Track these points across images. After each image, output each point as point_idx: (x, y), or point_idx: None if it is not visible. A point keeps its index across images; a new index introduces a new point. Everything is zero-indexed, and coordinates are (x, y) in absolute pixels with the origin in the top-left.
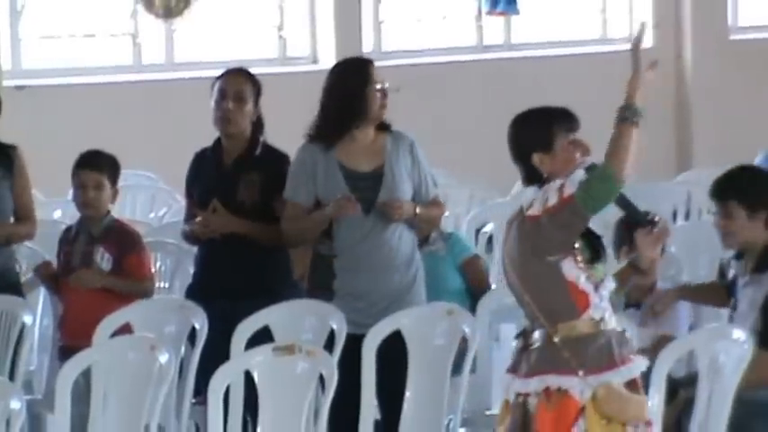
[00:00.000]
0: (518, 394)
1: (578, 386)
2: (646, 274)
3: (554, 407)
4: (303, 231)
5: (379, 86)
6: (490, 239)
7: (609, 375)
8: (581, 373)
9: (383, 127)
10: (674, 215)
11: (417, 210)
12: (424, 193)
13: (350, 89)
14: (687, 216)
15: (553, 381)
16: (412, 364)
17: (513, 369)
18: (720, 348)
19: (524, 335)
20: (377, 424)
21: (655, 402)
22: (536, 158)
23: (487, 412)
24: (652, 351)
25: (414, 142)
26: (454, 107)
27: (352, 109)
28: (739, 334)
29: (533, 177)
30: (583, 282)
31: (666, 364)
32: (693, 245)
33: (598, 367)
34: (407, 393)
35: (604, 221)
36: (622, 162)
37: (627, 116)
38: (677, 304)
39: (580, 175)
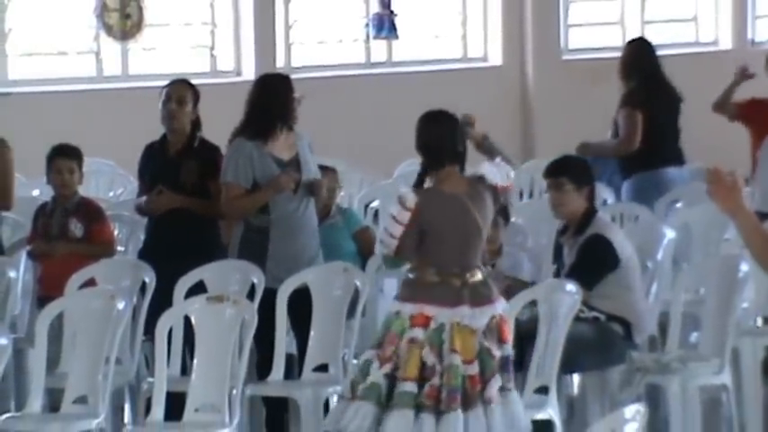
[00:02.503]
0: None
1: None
2: (489, 242)
3: None
4: (246, 206)
5: (296, 95)
6: (376, 213)
7: None
8: None
9: (290, 127)
10: (521, 195)
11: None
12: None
13: (279, 97)
14: (531, 195)
15: None
16: (315, 310)
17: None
18: (556, 298)
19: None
20: (290, 356)
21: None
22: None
23: None
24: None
25: (310, 140)
26: (349, 111)
27: (280, 111)
28: (571, 287)
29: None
30: None
31: (515, 309)
32: (536, 217)
33: None
34: (312, 333)
35: None
36: None
37: None
38: (522, 264)
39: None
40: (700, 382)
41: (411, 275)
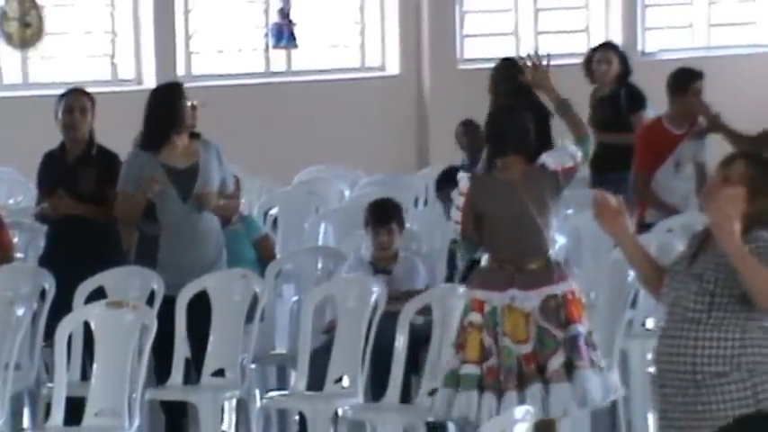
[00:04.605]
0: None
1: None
2: (384, 248)
3: None
4: (129, 211)
5: (189, 103)
6: (275, 220)
7: None
8: None
9: (196, 135)
10: (416, 202)
11: (221, 202)
12: (226, 188)
13: (167, 105)
14: (426, 202)
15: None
16: (215, 315)
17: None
18: (450, 302)
19: None
20: (188, 361)
21: (401, 343)
22: None
23: (272, 351)
24: (399, 304)
25: (219, 147)
26: (249, 120)
27: (170, 120)
28: (463, 291)
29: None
30: None
31: (410, 313)
32: (430, 223)
33: None
34: (211, 337)
35: None
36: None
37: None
38: (417, 269)
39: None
40: None
41: (477, 263)
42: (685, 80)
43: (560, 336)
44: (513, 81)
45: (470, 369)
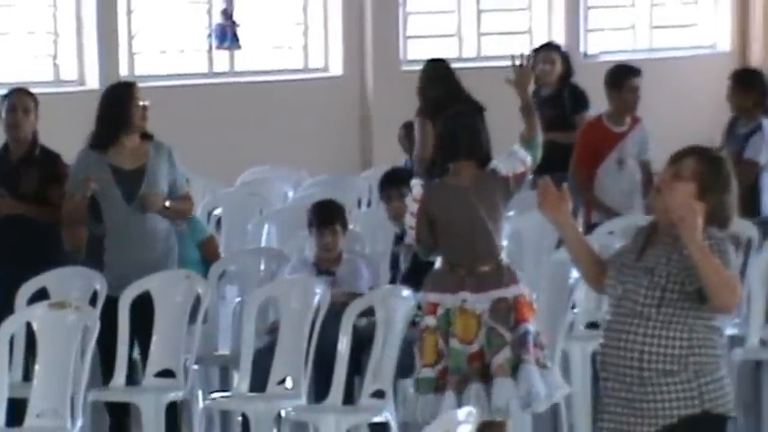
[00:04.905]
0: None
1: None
2: (328, 250)
3: None
4: (74, 211)
5: (140, 103)
6: (219, 221)
7: None
8: None
9: (148, 137)
10: (359, 203)
11: (167, 203)
12: (178, 190)
13: (117, 105)
14: (369, 204)
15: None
16: (157, 316)
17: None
18: (393, 304)
19: None
20: (135, 362)
21: (343, 344)
22: None
23: (215, 353)
24: (341, 305)
25: (171, 149)
26: (192, 120)
27: (119, 120)
28: (407, 293)
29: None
30: None
31: (353, 314)
32: (373, 225)
33: None
34: (154, 338)
35: None
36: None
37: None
38: (360, 271)
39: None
40: None
41: (432, 266)
42: (621, 76)
43: (508, 336)
44: (442, 83)
45: (427, 373)
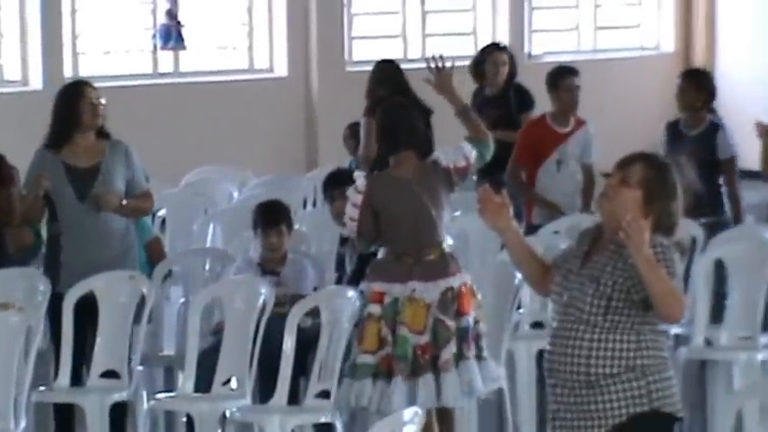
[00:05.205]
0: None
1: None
2: (273, 250)
3: None
4: (27, 211)
5: (92, 102)
6: (163, 221)
7: None
8: None
9: (105, 135)
10: (305, 203)
11: (123, 202)
12: (136, 188)
13: (67, 104)
14: (314, 204)
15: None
16: (102, 316)
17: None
18: (338, 304)
19: None
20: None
21: (288, 345)
22: None
23: (160, 353)
24: (287, 306)
25: (129, 148)
26: (137, 121)
27: (70, 119)
28: (352, 293)
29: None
30: None
31: (298, 314)
32: (318, 225)
33: None
34: (98, 339)
35: None
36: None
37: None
38: (306, 271)
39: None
40: None
41: (374, 257)
42: (557, 77)
43: (453, 326)
44: (391, 83)
45: (366, 359)
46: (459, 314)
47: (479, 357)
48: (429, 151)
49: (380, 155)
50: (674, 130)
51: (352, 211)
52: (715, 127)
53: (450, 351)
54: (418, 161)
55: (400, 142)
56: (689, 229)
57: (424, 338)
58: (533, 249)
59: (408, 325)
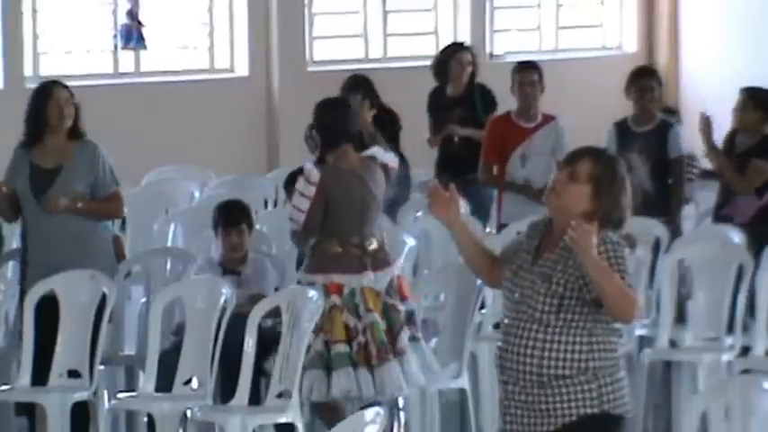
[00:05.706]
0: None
1: None
2: (234, 250)
3: None
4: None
5: (60, 102)
6: (123, 221)
7: None
8: None
9: (77, 135)
10: (266, 203)
11: (79, 205)
12: (101, 190)
13: (36, 104)
14: (275, 204)
15: None
16: (63, 316)
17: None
18: (299, 304)
19: None
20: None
21: (249, 345)
22: None
23: (121, 353)
24: (248, 306)
25: (98, 148)
26: (97, 121)
27: (37, 120)
28: (313, 293)
29: None
30: None
31: (259, 314)
32: (279, 225)
33: None
34: (59, 338)
35: None
36: None
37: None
38: (267, 271)
39: None
40: (438, 386)
41: (315, 249)
42: (517, 72)
43: (401, 308)
44: (360, 90)
45: (340, 348)
46: (402, 299)
47: (415, 341)
48: (363, 144)
49: (321, 151)
50: (623, 128)
51: (301, 202)
52: (666, 125)
53: (406, 335)
54: (356, 154)
55: (339, 137)
56: (652, 229)
57: (384, 325)
58: (483, 244)
59: (375, 311)
